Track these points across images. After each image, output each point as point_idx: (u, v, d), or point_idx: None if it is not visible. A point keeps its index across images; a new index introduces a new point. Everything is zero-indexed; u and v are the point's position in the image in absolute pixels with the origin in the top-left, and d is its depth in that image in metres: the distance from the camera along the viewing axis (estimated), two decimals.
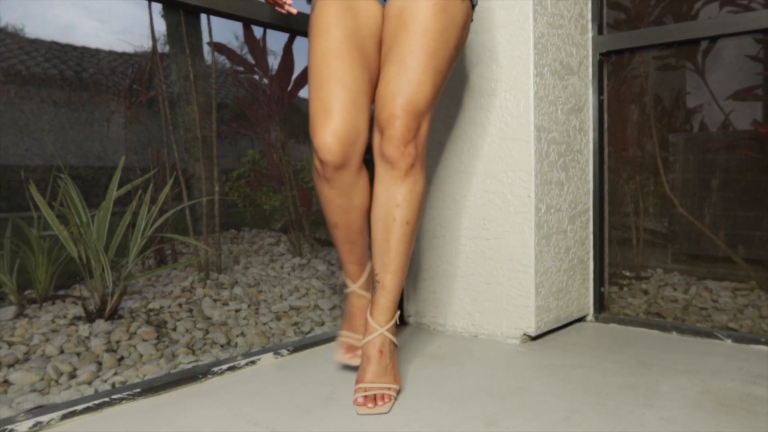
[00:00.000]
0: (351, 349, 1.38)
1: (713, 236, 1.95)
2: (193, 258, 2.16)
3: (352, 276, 1.42)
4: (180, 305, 1.95)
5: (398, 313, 1.30)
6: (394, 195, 1.24)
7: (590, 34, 1.91)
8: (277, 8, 1.34)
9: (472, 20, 1.35)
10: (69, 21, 1.59)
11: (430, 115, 1.26)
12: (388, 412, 1.19)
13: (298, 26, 1.80)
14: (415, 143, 1.24)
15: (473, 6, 1.31)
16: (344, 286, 1.46)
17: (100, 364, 1.53)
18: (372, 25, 1.27)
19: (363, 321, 1.38)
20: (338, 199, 1.28)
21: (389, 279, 1.26)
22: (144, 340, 1.68)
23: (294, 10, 1.32)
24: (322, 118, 1.21)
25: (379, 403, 1.19)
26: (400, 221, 1.24)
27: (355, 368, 1.40)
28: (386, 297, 1.26)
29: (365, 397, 1.19)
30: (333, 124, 1.20)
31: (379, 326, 1.25)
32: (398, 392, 1.27)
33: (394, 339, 1.28)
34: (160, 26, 1.78)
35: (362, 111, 1.24)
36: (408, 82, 1.21)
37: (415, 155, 1.24)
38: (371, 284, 1.37)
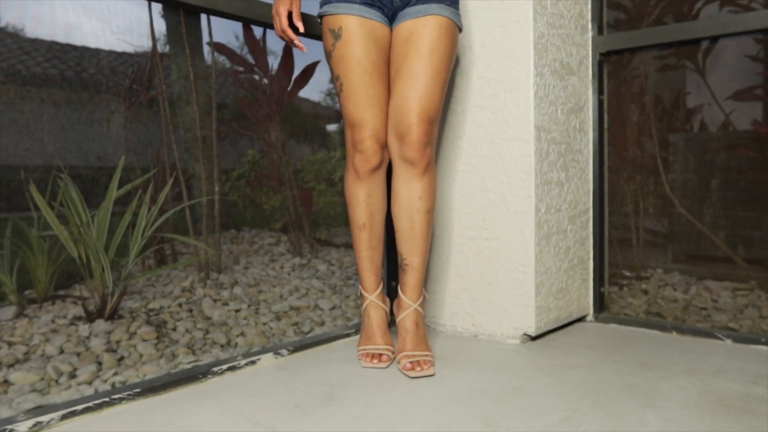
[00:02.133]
0: (375, 356, 1.48)
1: (713, 236, 1.95)
2: (193, 258, 2.16)
3: (370, 286, 1.56)
4: (180, 305, 1.95)
5: (424, 289, 1.57)
6: (416, 190, 1.48)
7: (590, 34, 1.91)
8: (288, 42, 1.54)
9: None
10: (69, 21, 1.59)
11: (438, 120, 1.51)
12: (434, 374, 1.40)
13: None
14: (431, 145, 1.49)
15: (460, 31, 1.55)
16: (360, 298, 1.56)
17: (100, 364, 1.53)
18: (386, 47, 1.50)
19: (382, 332, 1.53)
20: (369, 199, 1.50)
21: (417, 261, 1.51)
22: (144, 340, 1.68)
23: (304, 48, 1.52)
24: (365, 128, 1.47)
25: (424, 367, 1.41)
26: (423, 211, 1.49)
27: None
28: (416, 276, 1.52)
29: (411, 362, 1.42)
30: (374, 132, 1.47)
31: (412, 302, 1.51)
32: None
33: (423, 312, 1.54)
34: (160, 26, 1.78)
35: (386, 122, 1.51)
36: (421, 95, 1.44)
37: (431, 155, 1.49)
38: (384, 295, 1.60)
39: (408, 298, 1.51)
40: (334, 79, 1.49)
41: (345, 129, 1.52)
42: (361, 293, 1.57)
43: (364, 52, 1.44)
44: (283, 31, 1.49)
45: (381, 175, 1.52)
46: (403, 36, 1.47)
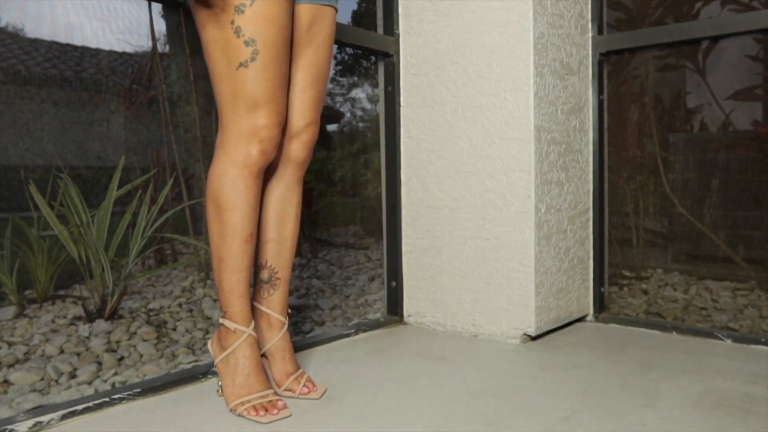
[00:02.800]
0: (269, 407, 1.17)
1: (713, 236, 1.95)
2: (193, 258, 2.16)
3: (248, 316, 1.22)
4: (180, 305, 1.95)
5: None
6: (296, 195, 1.32)
7: (590, 34, 1.91)
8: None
9: None
10: (70, 21, 1.59)
11: None
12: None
13: None
14: None
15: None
16: (220, 335, 1.24)
17: (100, 364, 1.54)
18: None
19: (263, 374, 1.22)
20: (257, 203, 1.22)
21: (288, 273, 1.33)
22: (144, 340, 1.68)
23: None
24: (275, 113, 1.19)
25: (316, 386, 1.30)
26: (297, 217, 1.33)
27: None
28: (287, 290, 1.34)
29: (306, 386, 1.28)
30: (282, 118, 1.21)
31: (285, 319, 1.33)
32: None
33: None
34: (160, 26, 1.78)
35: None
36: (321, 91, 1.31)
37: None
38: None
39: (281, 315, 1.32)
40: (241, 43, 1.14)
41: (231, 111, 1.18)
42: (234, 329, 1.20)
43: (287, 17, 1.18)
44: None
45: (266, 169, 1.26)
46: (306, 20, 1.27)
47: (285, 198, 1.31)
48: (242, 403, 1.17)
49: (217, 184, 1.19)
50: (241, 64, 1.15)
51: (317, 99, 1.31)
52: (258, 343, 1.25)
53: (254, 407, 1.16)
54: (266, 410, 1.16)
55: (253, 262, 1.27)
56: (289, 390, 1.27)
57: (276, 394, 1.22)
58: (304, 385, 1.27)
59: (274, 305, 1.31)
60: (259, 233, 1.31)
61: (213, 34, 1.15)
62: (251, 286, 1.28)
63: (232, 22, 1.13)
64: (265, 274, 1.31)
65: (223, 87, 1.18)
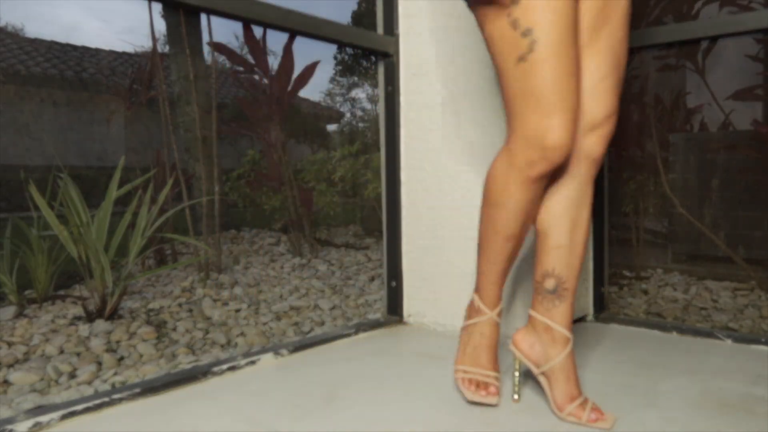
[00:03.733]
0: (481, 385, 1.20)
1: (713, 236, 1.95)
2: (193, 258, 2.16)
3: (493, 301, 1.23)
4: (180, 305, 1.95)
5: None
6: (588, 195, 1.19)
7: None
8: None
9: None
10: (71, 21, 1.59)
11: None
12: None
13: (298, 26, 1.80)
14: None
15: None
16: (469, 312, 1.27)
17: (100, 364, 1.54)
18: None
19: (494, 356, 1.23)
20: (529, 207, 1.15)
21: (575, 284, 1.21)
22: (144, 340, 1.68)
23: None
24: (562, 111, 1.07)
25: (600, 414, 1.13)
26: (589, 221, 1.22)
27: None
28: (573, 303, 1.22)
29: (595, 410, 1.13)
30: (572, 122, 1.09)
31: (572, 335, 1.23)
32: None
33: None
34: (160, 26, 1.79)
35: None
36: (620, 77, 1.19)
37: None
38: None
39: (567, 329, 1.17)
40: (518, 36, 1.05)
41: (519, 110, 1.08)
42: (477, 306, 1.24)
43: (571, 1, 1.05)
44: None
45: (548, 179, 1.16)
46: None
47: (578, 200, 1.18)
48: (462, 372, 1.22)
49: (490, 178, 1.15)
50: (520, 59, 1.05)
51: (618, 86, 1.17)
52: (497, 330, 1.23)
53: (469, 380, 1.20)
54: (477, 387, 1.19)
55: (514, 260, 1.23)
56: (574, 416, 1.13)
57: (498, 380, 1.22)
58: (591, 411, 1.12)
59: (559, 318, 1.17)
60: (542, 236, 1.20)
61: (490, 30, 1.09)
62: (503, 277, 1.23)
63: (508, 15, 1.05)
64: (550, 283, 1.18)
65: (506, 85, 1.10)
